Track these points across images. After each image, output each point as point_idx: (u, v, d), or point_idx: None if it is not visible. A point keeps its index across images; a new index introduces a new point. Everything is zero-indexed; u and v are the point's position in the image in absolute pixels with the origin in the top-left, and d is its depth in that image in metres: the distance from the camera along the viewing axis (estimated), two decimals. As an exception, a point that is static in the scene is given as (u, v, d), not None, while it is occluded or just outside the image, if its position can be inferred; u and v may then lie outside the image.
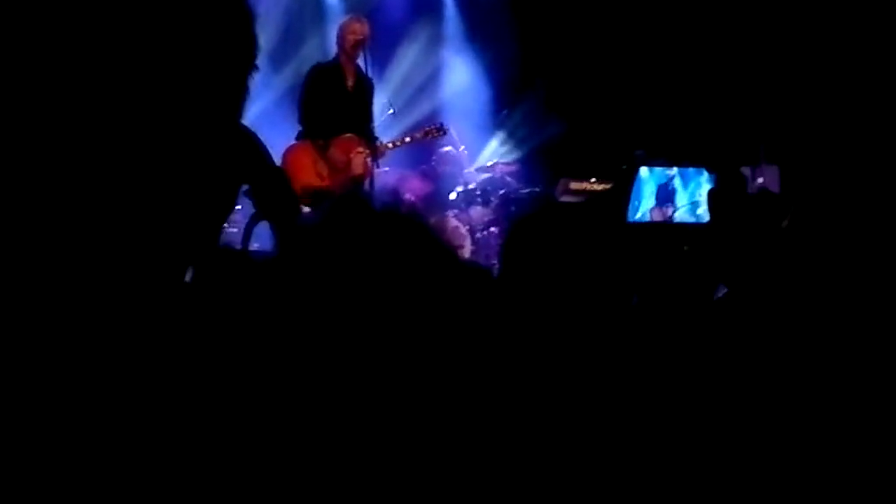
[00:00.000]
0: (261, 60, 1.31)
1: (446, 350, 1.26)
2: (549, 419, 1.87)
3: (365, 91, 7.15)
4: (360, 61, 7.13)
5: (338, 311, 1.24)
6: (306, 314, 1.24)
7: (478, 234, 8.61)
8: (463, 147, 9.28)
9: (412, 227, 1.32)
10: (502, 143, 10.23)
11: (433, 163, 9.10)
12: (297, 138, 7.07)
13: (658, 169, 8.42)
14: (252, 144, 2.16)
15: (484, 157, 10.16)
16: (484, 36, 10.77)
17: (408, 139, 7.61)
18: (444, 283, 1.30)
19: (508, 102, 10.24)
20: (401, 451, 1.20)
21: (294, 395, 1.20)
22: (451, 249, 1.38)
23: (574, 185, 8.68)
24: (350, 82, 7.12)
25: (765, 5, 9.22)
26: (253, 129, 2.17)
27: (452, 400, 1.26)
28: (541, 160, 9.69)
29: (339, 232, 1.30)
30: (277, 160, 6.73)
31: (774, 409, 2.22)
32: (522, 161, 9.48)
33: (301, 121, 7.07)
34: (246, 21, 1.22)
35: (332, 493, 1.17)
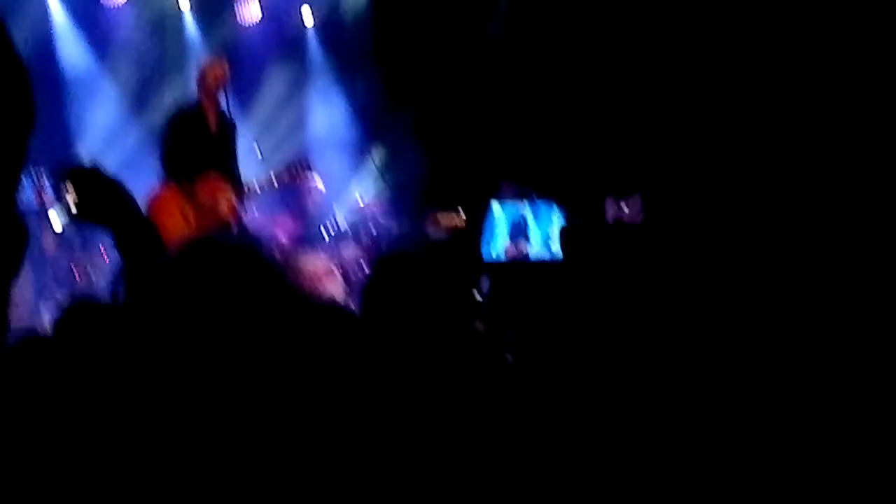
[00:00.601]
0: (123, 104, 1.33)
1: (300, 387, 1.27)
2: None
3: (228, 134, 7.08)
4: (222, 102, 7.06)
5: (188, 353, 1.24)
6: (155, 358, 1.24)
7: (351, 276, 8.58)
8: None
9: (263, 269, 1.33)
10: (371, 181, 10.26)
11: (302, 201, 9.06)
12: (161, 183, 6.93)
13: (509, 204, 8.52)
14: (116, 193, 2.13)
15: (353, 195, 10.17)
16: (348, 71, 10.81)
17: (275, 183, 7.51)
18: (295, 322, 1.31)
19: (375, 138, 10.29)
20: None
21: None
22: (308, 289, 1.40)
23: (442, 219, 8.76)
24: (213, 125, 7.03)
25: (619, 31, 9.46)
26: (117, 177, 2.14)
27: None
28: (410, 196, 9.73)
29: (188, 274, 1.30)
30: (142, 207, 6.59)
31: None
32: (392, 198, 9.50)
33: (164, 167, 6.94)
34: (23, 82, 1.22)
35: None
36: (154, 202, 6.78)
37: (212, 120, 7.03)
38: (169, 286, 1.32)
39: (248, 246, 1.41)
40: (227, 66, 7.09)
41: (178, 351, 1.27)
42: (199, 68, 7.22)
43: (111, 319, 1.55)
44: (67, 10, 9.46)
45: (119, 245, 2.16)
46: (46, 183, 7.23)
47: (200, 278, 1.32)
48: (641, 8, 9.28)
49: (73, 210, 2.03)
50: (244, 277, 1.35)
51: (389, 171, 9.88)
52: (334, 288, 8.07)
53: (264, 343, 1.31)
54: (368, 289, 2.56)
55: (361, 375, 1.80)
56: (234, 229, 6.85)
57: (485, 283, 6.77)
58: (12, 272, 1.34)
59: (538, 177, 9.01)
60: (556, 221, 8.39)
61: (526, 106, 9.78)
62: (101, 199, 2.14)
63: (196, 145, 6.89)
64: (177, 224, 6.69)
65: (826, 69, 7.74)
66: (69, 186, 2.06)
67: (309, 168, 7.74)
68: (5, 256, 1.30)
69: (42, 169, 7.20)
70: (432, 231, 8.68)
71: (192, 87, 7.24)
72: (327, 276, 8.13)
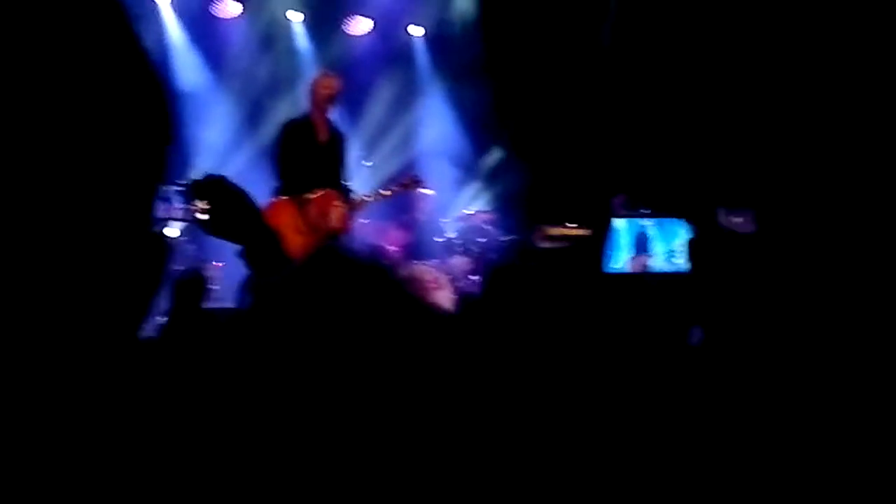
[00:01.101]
0: (236, 117, 1.33)
1: (415, 395, 1.28)
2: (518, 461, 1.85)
3: (338, 145, 7.16)
4: (332, 116, 7.14)
5: (309, 360, 1.25)
6: (276, 363, 1.25)
7: (459, 284, 8.59)
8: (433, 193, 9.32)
9: (384, 278, 1.34)
10: (480, 191, 10.26)
11: (411, 212, 9.11)
12: (273, 195, 7.04)
13: (633, 219, 8.44)
14: (244, 204, 2.15)
15: (462, 205, 10.18)
16: (457, 82, 10.84)
17: (386, 193, 7.59)
18: (412, 332, 1.32)
19: (484, 150, 10.29)
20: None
21: (266, 442, 1.21)
22: (422, 299, 1.41)
23: (551, 231, 8.69)
24: (322, 136, 7.11)
25: (737, 47, 9.30)
26: (244, 188, 2.15)
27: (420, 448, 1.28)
28: (519, 208, 9.70)
29: (313, 283, 1.31)
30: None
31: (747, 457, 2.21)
32: (501, 209, 9.48)
33: (277, 177, 7.05)
34: (160, 99, 1.22)
35: None
36: (270, 212, 6.89)
37: (322, 132, 7.11)
38: (297, 295, 1.34)
39: (368, 256, 1.43)
40: (337, 79, 7.17)
41: (302, 358, 1.28)
42: (309, 81, 7.31)
43: (235, 327, 1.57)
44: (182, 23, 9.68)
45: (246, 255, 2.18)
46: (171, 195, 7.40)
47: (327, 288, 1.34)
48: (751, 14, 9.10)
49: (205, 219, 2.04)
50: (368, 287, 1.36)
51: (500, 183, 9.86)
52: (444, 298, 8.10)
53: (385, 352, 1.31)
54: (484, 297, 2.54)
55: (472, 384, 1.79)
56: (346, 241, 6.92)
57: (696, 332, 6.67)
58: (155, 287, 1.35)
59: (656, 189, 8.90)
60: (681, 235, 8.25)
61: (638, 115, 9.67)
62: (230, 209, 2.16)
63: (307, 157, 6.98)
64: (291, 234, 6.79)
65: None
66: (200, 197, 2.08)
67: (419, 183, 7.78)
68: (149, 271, 1.30)
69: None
70: (542, 242, 8.62)
71: (303, 100, 7.34)
72: (437, 286, 8.18)
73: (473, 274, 8.74)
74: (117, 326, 1.26)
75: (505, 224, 9.25)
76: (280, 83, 9.96)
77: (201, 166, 8.96)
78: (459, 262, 8.84)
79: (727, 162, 9.07)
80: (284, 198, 6.96)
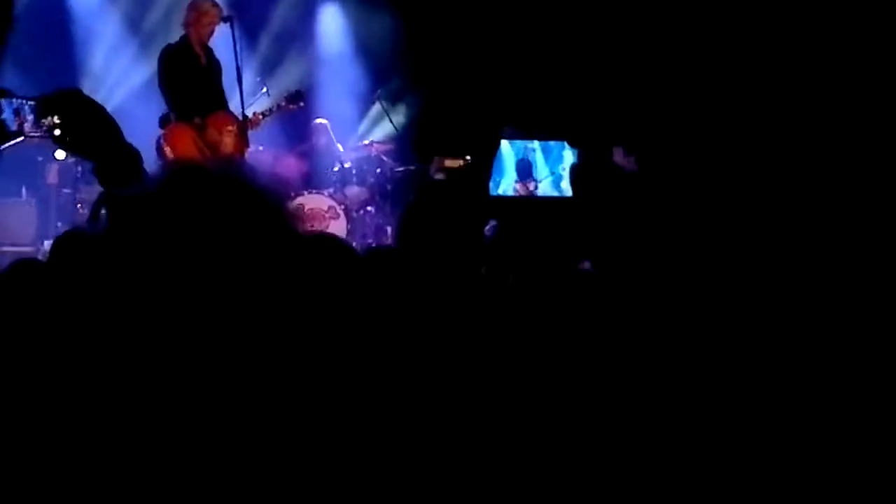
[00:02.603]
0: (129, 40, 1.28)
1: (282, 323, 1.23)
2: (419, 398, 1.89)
3: (216, 70, 7.17)
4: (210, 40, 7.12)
5: (169, 279, 1.20)
6: (131, 288, 1.19)
7: (353, 214, 8.60)
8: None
9: (248, 195, 1.29)
10: (376, 121, 10.22)
11: (307, 141, 9.06)
12: (161, 124, 6.97)
13: (518, 142, 8.49)
14: (99, 119, 2.10)
15: (359, 136, 10.14)
16: (358, 6, 10.71)
17: (273, 109, 7.58)
18: (275, 250, 1.27)
19: (382, 79, 10.23)
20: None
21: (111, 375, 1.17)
22: (289, 219, 1.34)
23: (448, 163, 8.71)
24: (203, 60, 7.08)
25: None
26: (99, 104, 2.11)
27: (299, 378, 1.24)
28: (416, 138, 9.69)
29: (171, 201, 1.26)
30: (151, 141, 6.63)
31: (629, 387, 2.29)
32: (397, 140, 9.46)
33: (170, 105, 6.96)
34: None
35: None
36: (171, 137, 6.85)
37: (202, 56, 7.07)
38: (152, 214, 1.26)
39: (238, 175, 1.35)
40: (220, 10, 7.09)
41: (164, 283, 1.21)
42: (193, 6, 7.15)
43: (100, 249, 1.50)
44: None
45: (99, 172, 2.13)
46: (28, 110, 7.20)
47: (182, 207, 1.26)
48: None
49: (58, 135, 2.00)
50: (230, 206, 1.29)
51: (396, 113, 9.82)
52: (336, 226, 8.11)
53: (254, 276, 1.25)
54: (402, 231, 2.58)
55: (360, 313, 1.78)
56: (239, 164, 6.86)
57: (490, 224, 6.74)
58: None
59: (548, 117, 8.98)
60: (567, 160, 8.35)
61: (534, 47, 9.71)
62: (84, 124, 2.10)
63: (194, 82, 6.96)
64: (195, 157, 6.75)
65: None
66: (53, 112, 2.04)
67: (300, 97, 7.75)
68: None
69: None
70: (437, 174, 8.65)
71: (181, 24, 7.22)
72: (330, 214, 8.17)
73: (368, 204, 8.75)
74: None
75: (401, 155, 9.24)
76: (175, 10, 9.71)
77: (90, 88, 8.73)
78: (355, 192, 8.83)
79: (626, 96, 9.18)
80: (181, 123, 6.89)
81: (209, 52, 7.17)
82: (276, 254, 1.28)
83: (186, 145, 6.80)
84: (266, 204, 1.31)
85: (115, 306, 1.22)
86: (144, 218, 1.26)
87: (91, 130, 2.05)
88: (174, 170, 1.35)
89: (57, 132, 1.94)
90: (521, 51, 9.77)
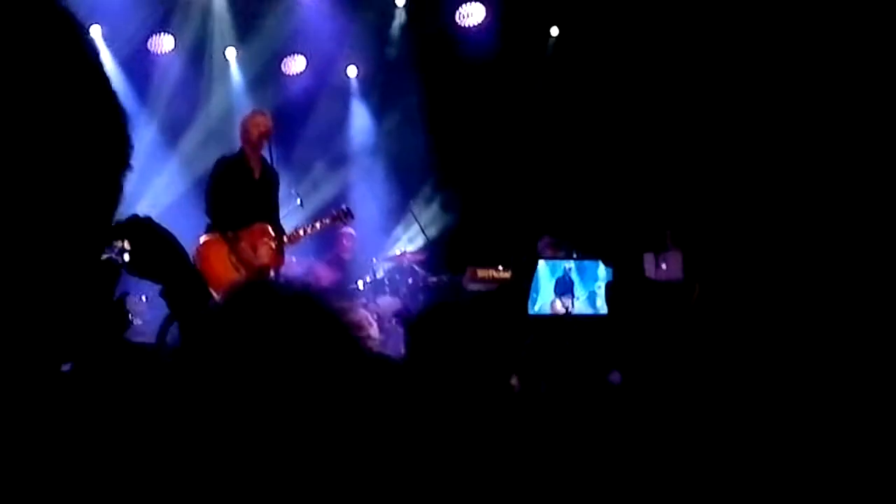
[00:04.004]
0: (171, 156, 1.33)
1: (350, 434, 1.25)
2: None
3: (271, 182, 7.18)
4: (265, 153, 7.17)
5: (241, 398, 1.22)
6: (209, 401, 1.21)
7: (386, 324, 8.62)
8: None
9: (318, 312, 1.31)
10: (410, 232, 10.32)
11: (336, 251, 9.15)
12: (206, 231, 7.03)
13: (555, 262, 8.56)
14: (169, 245, 2.15)
15: (392, 246, 10.24)
16: (393, 120, 10.93)
17: (317, 225, 7.64)
18: (347, 370, 1.29)
19: (416, 190, 10.37)
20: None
21: (201, 481, 1.18)
22: (356, 335, 1.36)
23: (481, 273, 8.78)
24: (256, 174, 7.13)
25: (653, 87, 9.52)
26: (169, 229, 2.16)
27: (360, 480, 1.26)
28: (447, 249, 9.79)
29: (242, 317, 1.28)
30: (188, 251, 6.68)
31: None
32: (429, 250, 9.55)
33: (209, 213, 7.03)
34: (118, 120, 1.21)
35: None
36: (202, 248, 6.89)
37: (255, 169, 7.13)
38: (220, 331, 1.29)
39: (298, 291, 1.38)
40: (269, 117, 7.20)
41: (225, 399, 1.24)
42: (243, 120, 7.33)
43: (154, 364, 1.54)
44: (116, 57, 9.61)
45: (168, 295, 2.18)
46: None
47: (251, 323, 1.29)
48: (674, 64, 9.36)
49: (127, 261, 2.05)
50: (299, 320, 1.33)
51: (430, 224, 9.93)
52: (371, 339, 8.13)
53: (319, 392, 1.28)
54: (413, 335, 2.60)
55: (399, 423, 1.80)
56: (274, 276, 6.91)
57: (528, 339, 6.78)
58: (98, 314, 1.33)
59: (580, 234, 9.06)
60: (602, 278, 8.40)
61: (565, 163, 9.85)
62: (154, 251, 2.16)
63: (240, 194, 6.99)
64: (224, 270, 6.78)
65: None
66: (123, 238, 2.08)
67: (349, 216, 7.83)
68: (95, 297, 1.29)
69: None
70: (470, 284, 8.70)
71: (237, 139, 7.35)
72: (364, 327, 8.20)
73: (401, 314, 8.78)
74: (56, 349, 1.24)
75: (433, 265, 9.31)
76: (214, 119, 9.94)
77: (133, 201, 8.87)
78: (387, 302, 8.88)
79: (653, 207, 9.27)
80: (215, 235, 6.95)
81: (265, 164, 7.20)
82: (348, 374, 1.31)
83: (216, 256, 6.84)
84: (337, 322, 1.34)
85: (172, 421, 1.25)
86: (218, 334, 1.28)
87: (160, 256, 2.10)
88: (246, 287, 1.38)
89: (126, 257, 1.99)
90: (552, 167, 9.92)
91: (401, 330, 8.55)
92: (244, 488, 1.20)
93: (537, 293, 8.36)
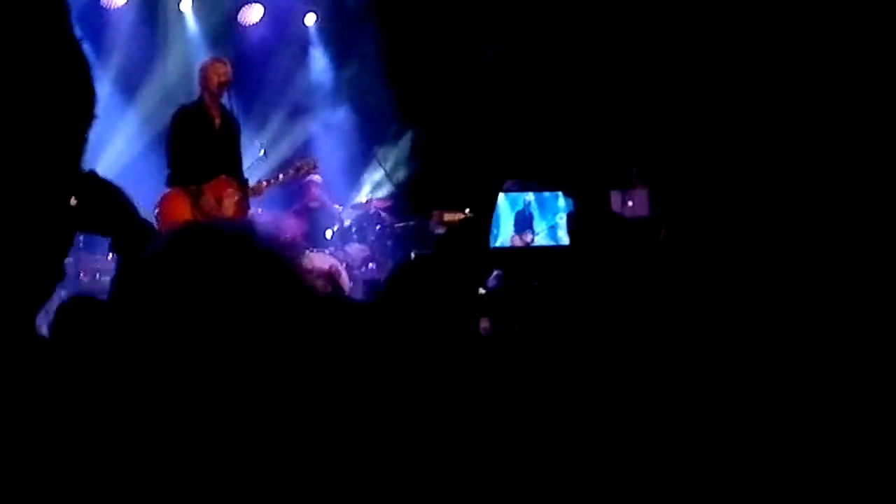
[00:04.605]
0: (129, 112, 1.29)
1: (300, 380, 1.22)
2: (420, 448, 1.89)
3: (232, 131, 7.07)
4: (225, 102, 7.07)
5: (180, 342, 1.19)
6: (148, 350, 1.18)
7: (356, 271, 8.61)
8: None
9: (256, 253, 1.27)
10: (376, 179, 10.28)
11: (303, 200, 9.08)
12: (168, 183, 6.94)
13: (514, 195, 8.56)
14: (114, 198, 2.12)
15: (358, 193, 10.19)
16: (353, 68, 10.83)
17: (281, 177, 7.57)
18: (290, 309, 1.26)
19: (380, 136, 10.32)
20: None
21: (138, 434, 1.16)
22: (299, 275, 1.32)
23: (447, 217, 8.77)
24: (217, 123, 7.03)
25: (626, 26, 9.48)
26: (120, 179, 2.14)
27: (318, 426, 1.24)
28: (414, 193, 9.76)
29: (177, 260, 1.26)
30: (151, 208, 6.63)
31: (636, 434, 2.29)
32: (397, 195, 9.52)
33: (170, 165, 6.94)
34: (82, 69, 1.19)
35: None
36: (164, 204, 6.81)
37: (216, 118, 7.03)
38: (159, 279, 1.25)
39: (246, 234, 1.34)
40: (228, 64, 7.09)
41: (173, 348, 1.21)
42: (201, 67, 7.22)
43: (108, 317, 1.49)
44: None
45: (117, 248, 2.16)
46: None
47: (191, 269, 1.25)
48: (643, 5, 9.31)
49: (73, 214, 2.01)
50: (242, 266, 1.28)
51: (395, 170, 9.89)
52: (339, 285, 8.11)
53: (264, 337, 1.24)
54: (386, 286, 2.60)
55: (366, 370, 1.79)
56: (249, 224, 6.85)
57: (492, 276, 6.80)
58: (54, 275, 1.30)
59: (543, 168, 9.04)
60: (562, 210, 8.41)
61: (529, 98, 9.81)
62: (99, 205, 2.13)
63: (201, 144, 6.90)
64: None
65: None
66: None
67: (313, 167, 7.77)
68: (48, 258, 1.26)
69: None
70: (437, 228, 8.69)
71: (195, 87, 7.24)
72: (332, 273, 8.18)
73: (370, 261, 8.77)
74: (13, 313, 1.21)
75: (400, 211, 9.29)
76: (171, 70, 9.80)
77: (92, 161, 8.74)
78: (356, 249, 8.86)
79: (622, 141, 9.26)
80: (177, 188, 6.86)
81: (225, 113, 7.08)
82: (292, 315, 1.28)
83: (179, 212, 6.75)
84: (279, 263, 1.31)
85: (121, 372, 1.22)
86: (151, 281, 1.25)
87: (107, 210, 2.08)
88: (182, 230, 1.34)
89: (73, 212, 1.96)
90: (513, 102, 9.88)
91: (371, 277, 8.55)
92: (186, 441, 1.17)
93: (498, 228, 8.39)
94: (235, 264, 1.26)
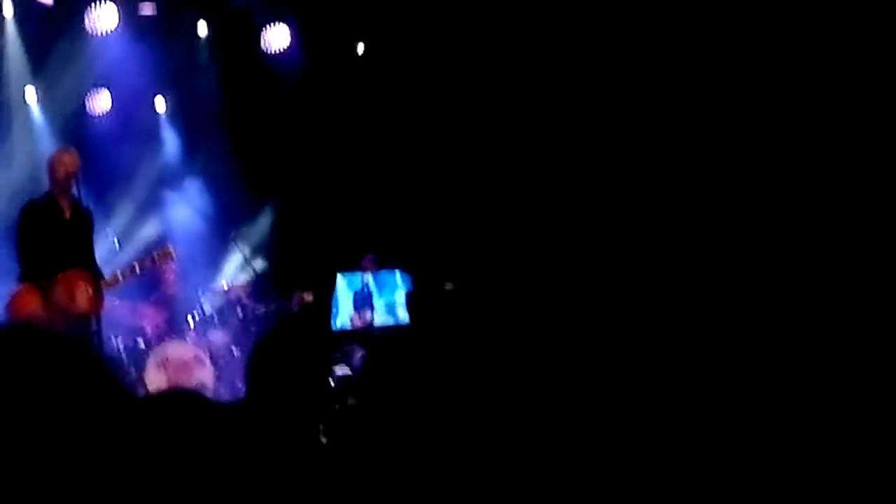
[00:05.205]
0: None
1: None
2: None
3: (84, 222, 6.90)
4: (74, 192, 6.90)
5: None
6: None
7: (220, 361, 8.42)
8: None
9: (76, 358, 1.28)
10: (235, 263, 10.17)
11: (161, 288, 8.88)
12: (18, 279, 6.73)
13: (352, 275, 8.61)
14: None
15: (217, 280, 10.05)
16: (206, 150, 10.75)
17: (137, 268, 7.38)
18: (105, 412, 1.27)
19: (238, 216, 10.25)
20: None
21: None
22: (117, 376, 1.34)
23: (307, 297, 8.73)
24: (67, 214, 6.87)
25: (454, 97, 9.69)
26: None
27: None
28: (275, 274, 9.68)
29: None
30: (1, 306, 6.41)
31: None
32: (256, 278, 9.42)
33: (20, 260, 6.74)
34: None
35: None
36: (14, 302, 6.59)
37: (65, 211, 6.87)
38: None
39: (70, 338, 1.34)
40: (76, 155, 6.95)
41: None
42: (49, 160, 7.04)
43: None
44: None
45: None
46: None
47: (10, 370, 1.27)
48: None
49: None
50: (53, 373, 1.29)
51: (255, 254, 9.81)
52: (203, 374, 7.94)
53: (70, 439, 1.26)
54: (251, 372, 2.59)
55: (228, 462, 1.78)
56: (94, 324, 6.65)
57: (356, 356, 6.79)
58: None
59: (384, 246, 9.12)
60: (401, 286, 8.49)
61: (377, 175, 9.94)
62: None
63: (51, 237, 6.72)
64: (39, 322, 6.47)
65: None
66: None
67: (170, 255, 7.63)
68: None
69: None
70: (297, 308, 8.65)
71: (44, 180, 7.06)
72: (195, 362, 8.00)
73: (233, 347, 8.62)
74: None
75: (261, 293, 9.20)
76: (19, 167, 9.52)
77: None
78: (218, 336, 8.70)
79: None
80: (27, 284, 6.66)
81: (75, 204, 6.90)
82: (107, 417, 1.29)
83: (30, 308, 6.55)
84: (102, 370, 1.32)
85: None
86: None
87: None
88: (3, 332, 1.34)
89: None
90: (365, 180, 9.99)
91: (236, 364, 8.39)
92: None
93: (337, 308, 8.39)
94: (52, 368, 1.27)
